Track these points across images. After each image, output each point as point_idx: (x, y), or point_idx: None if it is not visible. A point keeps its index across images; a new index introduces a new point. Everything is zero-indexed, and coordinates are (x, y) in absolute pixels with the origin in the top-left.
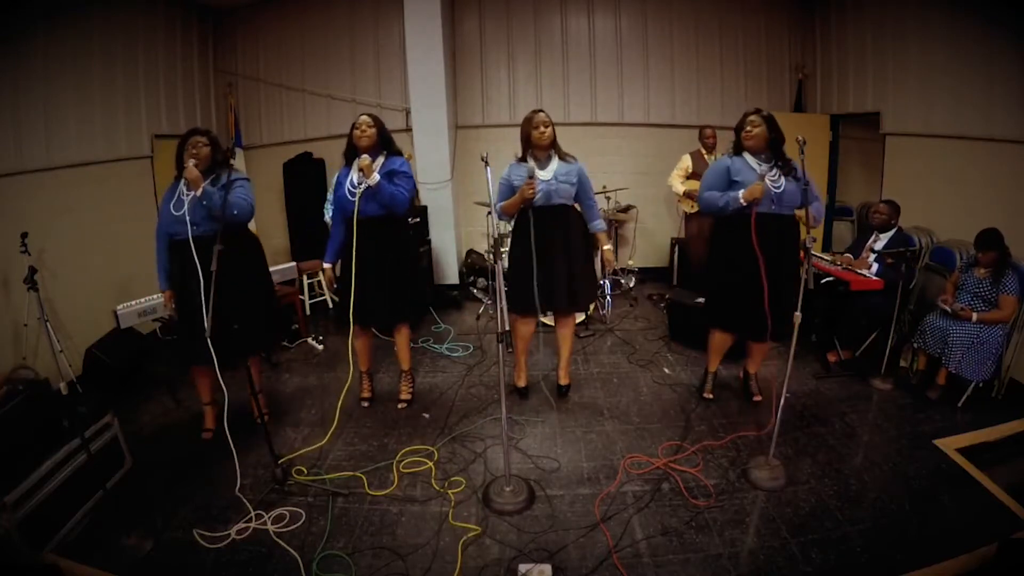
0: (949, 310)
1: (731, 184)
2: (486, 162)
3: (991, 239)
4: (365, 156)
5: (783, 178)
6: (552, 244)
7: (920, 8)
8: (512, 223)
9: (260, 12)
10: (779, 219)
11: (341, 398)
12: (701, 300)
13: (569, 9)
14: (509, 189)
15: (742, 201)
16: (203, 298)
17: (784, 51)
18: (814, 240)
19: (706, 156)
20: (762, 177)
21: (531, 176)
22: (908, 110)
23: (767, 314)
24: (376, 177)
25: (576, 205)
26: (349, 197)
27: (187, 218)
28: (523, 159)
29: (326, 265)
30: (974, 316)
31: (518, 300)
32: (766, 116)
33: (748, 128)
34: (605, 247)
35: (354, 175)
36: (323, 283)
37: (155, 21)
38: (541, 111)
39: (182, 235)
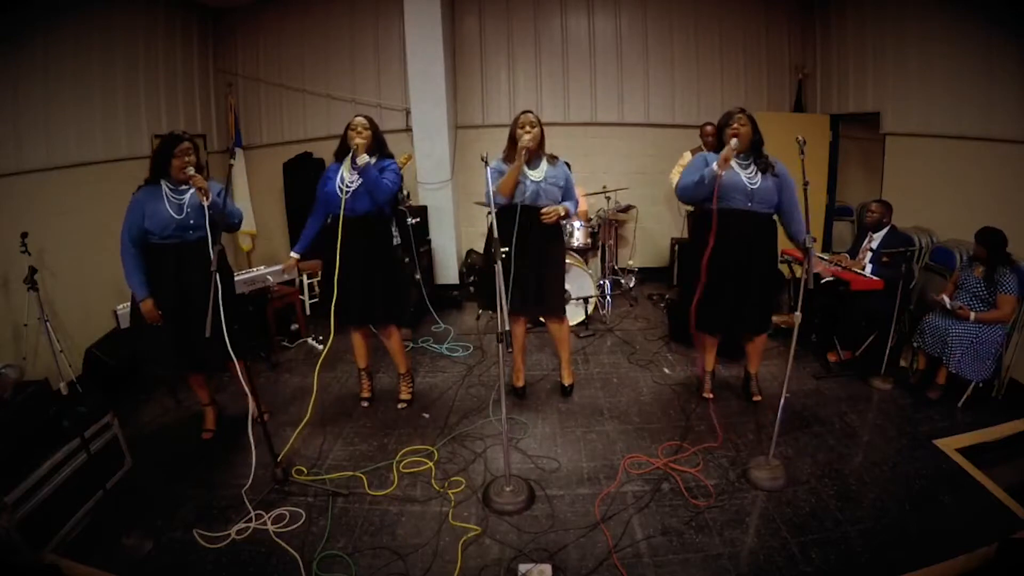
0: (948, 305)
1: None
2: (486, 162)
3: (985, 236)
4: (362, 143)
5: (759, 175)
6: (529, 245)
7: (920, 8)
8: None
9: (260, 12)
10: (754, 217)
11: (314, 394)
12: None
13: (569, 9)
14: (500, 175)
15: (716, 169)
16: (196, 302)
17: (784, 51)
18: (814, 240)
19: (703, 153)
20: (725, 160)
21: (524, 149)
22: (908, 110)
23: (740, 312)
24: (365, 158)
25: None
26: (338, 194)
27: (195, 223)
28: (507, 160)
29: (293, 254)
30: (972, 315)
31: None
32: (750, 116)
33: (735, 125)
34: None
35: (344, 172)
36: (284, 269)
37: (155, 21)
38: (529, 111)
39: (173, 239)
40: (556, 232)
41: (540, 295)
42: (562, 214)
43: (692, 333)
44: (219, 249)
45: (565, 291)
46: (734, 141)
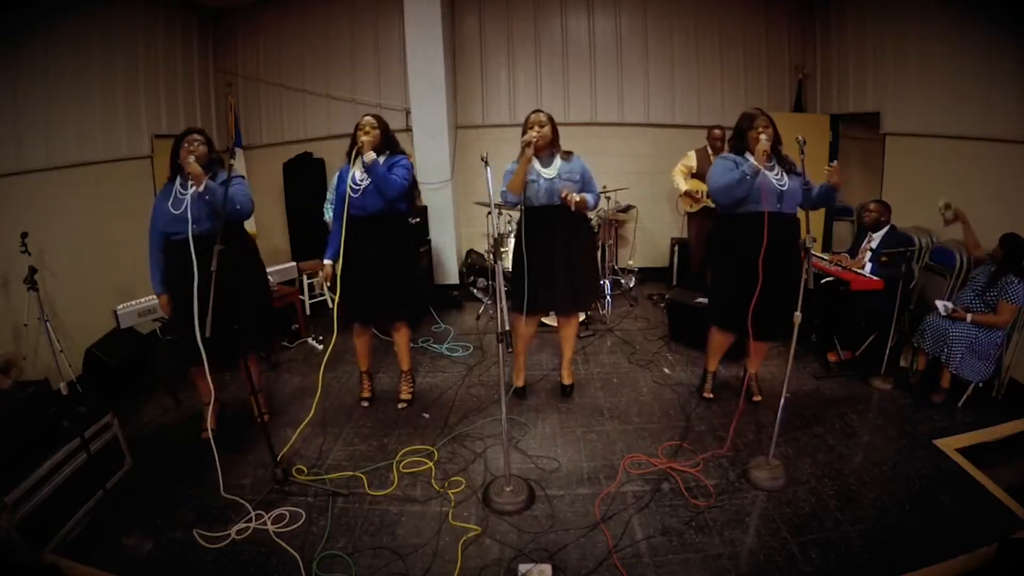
0: (942, 312)
1: None
2: (486, 162)
3: (1006, 240)
4: (367, 140)
5: (786, 176)
6: (555, 244)
7: (920, 8)
8: (514, 223)
9: (260, 12)
10: (782, 218)
11: (318, 393)
12: (701, 300)
13: (569, 9)
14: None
15: (756, 163)
16: (204, 297)
17: (784, 51)
18: (814, 240)
19: (712, 156)
20: (764, 154)
21: (527, 143)
22: (908, 110)
23: (770, 314)
24: (372, 155)
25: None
26: (351, 193)
27: (188, 216)
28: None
29: (326, 262)
30: (968, 317)
31: (520, 300)
32: (769, 116)
33: (760, 128)
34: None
35: (356, 172)
36: (320, 280)
37: (155, 21)
38: (539, 111)
39: (182, 234)
40: (580, 225)
41: (574, 290)
42: (577, 200)
43: (712, 332)
44: (219, 249)
45: (600, 284)
46: (763, 138)
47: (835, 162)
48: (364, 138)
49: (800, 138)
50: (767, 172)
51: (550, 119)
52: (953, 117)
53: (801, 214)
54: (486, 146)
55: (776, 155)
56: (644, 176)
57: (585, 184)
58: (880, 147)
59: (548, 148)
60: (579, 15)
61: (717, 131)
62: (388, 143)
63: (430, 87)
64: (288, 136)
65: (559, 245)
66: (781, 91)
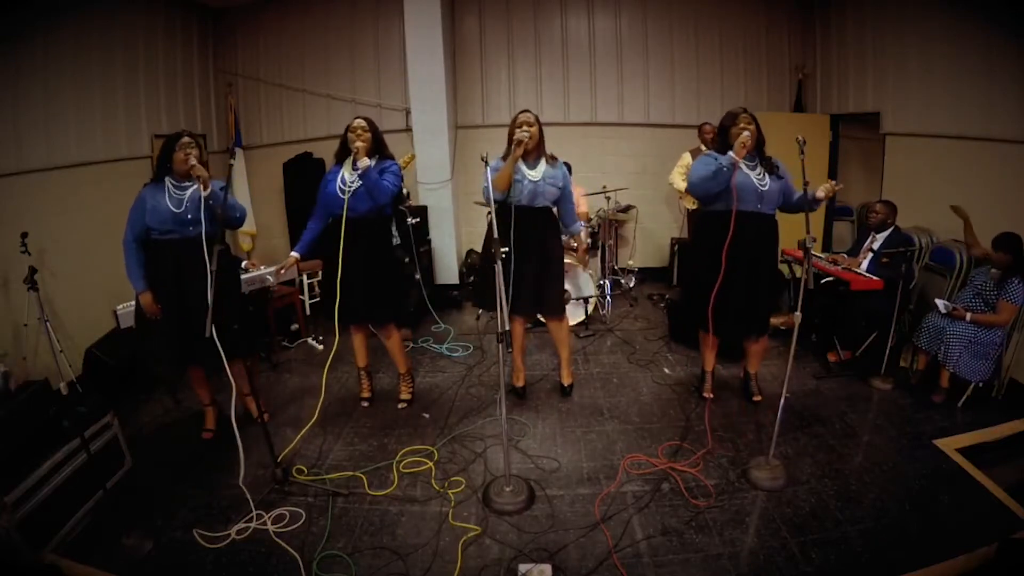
0: (942, 310)
1: None
2: (486, 162)
3: (1005, 241)
4: (362, 145)
5: (767, 176)
6: (527, 245)
7: (920, 8)
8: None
9: (260, 12)
10: (761, 218)
11: (321, 395)
12: None
13: (569, 9)
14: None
15: (734, 156)
16: (193, 299)
17: (784, 51)
18: (814, 240)
19: (705, 152)
20: (743, 147)
21: (519, 142)
22: (908, 110)
23: (741, 312)
24: (367, 161)
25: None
26: (339, 195)
27: (194, 217)
28: (506, 158)
29: (294, 254)
30: (968, 316)
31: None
32: (753, 116)
33: (742, 124)
34: (582, 245)
35: (346, 173)
36: (284, 269)
37: (155, 21)
38: (526, 111)
39: (175, 234)
40: (554, 231)
41: (539, 294)
42: (585, 246)
43: (700, 333)
44: (219, 249)
45: (565, 291)
46: (745, 134)
47: (840, 184)
48: (359, 144)
49: (800, 138)
50: (748, 171)
51: (537, 120)
52: (953, 117)
53: (792, 215)
54: (486, 146)
55: (759, 155)
56: (644, 176)
57: (564, 194)
58: (880, 147)
59: (535, 150)
60: (579, 15)
61: (708, 127)
62: (378, 146)
63: (430, 87)
64: (288, 136)
65: (533, 247)
66: (781, 91)
